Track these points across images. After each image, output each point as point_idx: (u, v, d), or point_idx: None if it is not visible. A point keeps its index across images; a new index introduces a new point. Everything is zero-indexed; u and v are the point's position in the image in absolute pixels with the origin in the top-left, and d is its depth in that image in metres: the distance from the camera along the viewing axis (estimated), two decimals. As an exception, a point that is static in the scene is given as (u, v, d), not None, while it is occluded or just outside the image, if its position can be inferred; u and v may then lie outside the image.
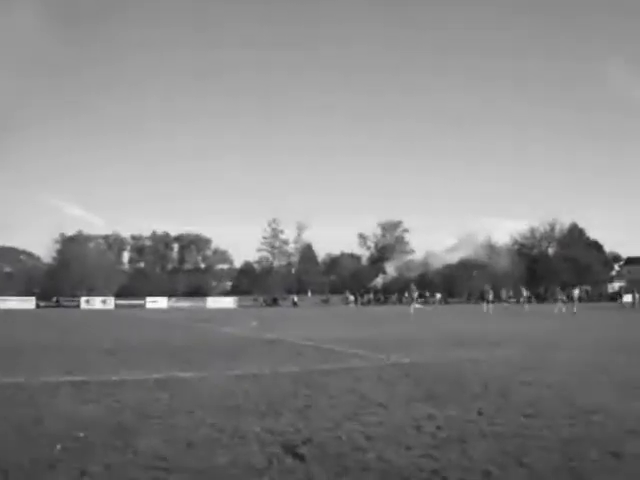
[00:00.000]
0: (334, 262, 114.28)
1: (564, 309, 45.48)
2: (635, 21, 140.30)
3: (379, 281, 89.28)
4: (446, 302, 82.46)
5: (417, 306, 46.80)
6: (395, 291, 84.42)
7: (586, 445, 6.07)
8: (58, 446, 6.11)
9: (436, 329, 25.89)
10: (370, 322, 33.17)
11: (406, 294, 50.59)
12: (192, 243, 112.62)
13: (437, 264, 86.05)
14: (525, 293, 56.90)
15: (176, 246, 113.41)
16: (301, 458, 5.75)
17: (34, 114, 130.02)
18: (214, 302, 77.40)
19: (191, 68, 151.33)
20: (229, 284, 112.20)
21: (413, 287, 51.34)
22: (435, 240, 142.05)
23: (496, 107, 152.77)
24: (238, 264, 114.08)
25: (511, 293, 76.78)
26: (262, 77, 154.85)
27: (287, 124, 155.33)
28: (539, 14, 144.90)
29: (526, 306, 52.02)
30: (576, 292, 53.07)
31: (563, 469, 5.35)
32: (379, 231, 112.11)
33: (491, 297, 50.13)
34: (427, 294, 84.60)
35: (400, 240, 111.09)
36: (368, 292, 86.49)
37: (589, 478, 5.10)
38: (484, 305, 48.18)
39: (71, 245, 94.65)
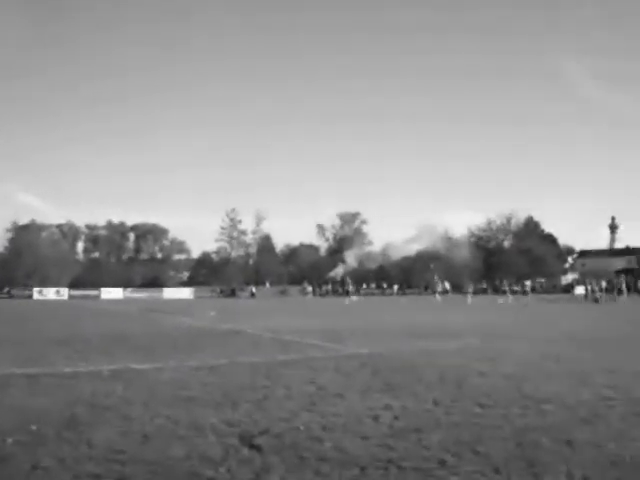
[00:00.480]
0: (293, 253, 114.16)
1: (510, 300, 46.20)
2: (596, 21, 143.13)
3: (340, 271, 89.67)
4: (403, 293, 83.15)
5: (353, 298, 47.08)
6: (354, 282, 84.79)
7: (539, 434, 6.18)
8: (9, 439, 5.98)
9: (392, 320, 26.06)
10: (328, 313, 33.26)
11: (364, 286, 51.15)
12: (149, 233, 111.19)
13: (396, 255, 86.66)
14: (470, 285, 57.33)
15: (132, 236, 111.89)
16: (258, 449, 5.73)
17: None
18: (171, 293, 76.81)
19: (157, 53, 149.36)
20: (186, 275, 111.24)
21: (348, 280, 51.88)
22: (393, 233, 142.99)
23: (451, 102, 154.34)
24: (196, 255, 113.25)
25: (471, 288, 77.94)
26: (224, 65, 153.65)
27: (245, 114, 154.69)
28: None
29: (469, 298, 52.70)
30: (528, 284, 54.02)
31: (517, 457, 5.42)
32: (338, 222, 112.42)
33: (440, 288, 50.72)
34: (385, 285, 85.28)
35: (358, 231, 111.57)
36: (326, 283, 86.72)
37: (542, 466, 5.18)
38: (435, 296, 48.77)
39: (23, 234, 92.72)
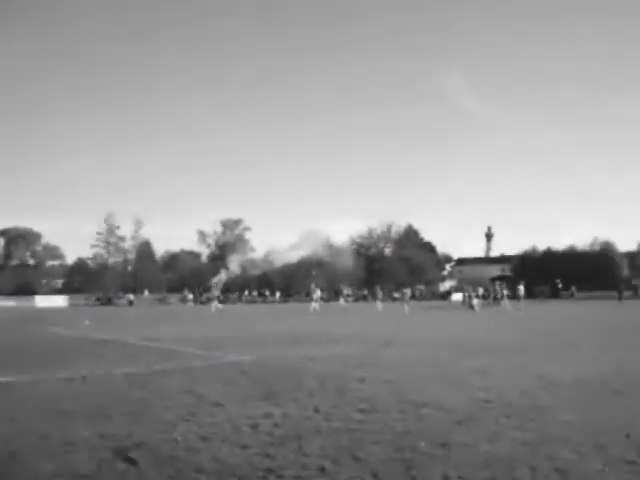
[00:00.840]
0: (173, 259, 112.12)
1: (381, 307, 47.24)
2: (474, 35, 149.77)
3: (223, 277, 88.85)
4: (285, 300, 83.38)
5: (218, 305, 46.78)
6: (236, 289, 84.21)
7: (417, 437, 6.29)
8: None
9: (273, 327, 26.05)
10: (208, 321, 32.83)
11: (246, 293, 50.89)
12: (20, 238, 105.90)
13: (278, 262, 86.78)
14: (345, 292, 58.10)
15: (1, 241, 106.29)
16: (133, 462, 5.52)
17: None
18: (43, 301, 73.53)
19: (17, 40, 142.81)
20: (60, 282, 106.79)
21: (215, 287, 51.62)
22: (276, 239, 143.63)
23: (332, 111, 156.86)
24: (71, 261, 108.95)
25: (350, 291, 79.41)
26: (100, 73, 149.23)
27: (125, 117, 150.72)
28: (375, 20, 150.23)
29: (343, 303, 53.64)
30: (407, 291, 55.42)
31: (395, 461, 5.49)
32: (220, 229, 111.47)
33: (317, 296, 51.16)
34: (267, 293, 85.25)
35: (241, 238, 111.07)
36: (207, 290, 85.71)
37: (420, 469, 5.26)
38: (312, 304, 49.09)
39: None
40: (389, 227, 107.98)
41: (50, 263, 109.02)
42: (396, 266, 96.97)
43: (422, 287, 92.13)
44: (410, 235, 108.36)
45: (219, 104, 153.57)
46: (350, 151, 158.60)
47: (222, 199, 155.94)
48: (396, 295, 66.37)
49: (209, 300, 78.48)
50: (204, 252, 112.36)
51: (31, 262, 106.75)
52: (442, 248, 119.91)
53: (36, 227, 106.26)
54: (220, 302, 49.03)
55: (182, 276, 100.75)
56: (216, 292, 50.04)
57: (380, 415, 7.38)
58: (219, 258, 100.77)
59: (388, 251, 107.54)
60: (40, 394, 9.05)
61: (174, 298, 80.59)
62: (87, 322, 29.37)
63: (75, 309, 58.82)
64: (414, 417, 7.29)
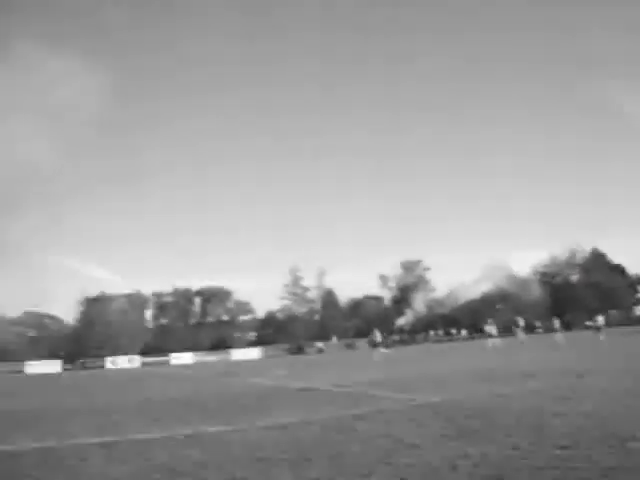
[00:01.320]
0: (357, 305, 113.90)
1: (560, 339, 44.41)
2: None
3: (410, 318, 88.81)
4: (472, 338, 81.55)
5: (383, 350, 45.78)
6: (422, 329, 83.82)
7: (628, 474, 5.94)
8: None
9: (459, 366, 25.58)
10: (396, 364, 32.86)
11: (431, 333, 50.07)
12: (213, 296, 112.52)
13: (462, 298, 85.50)
14: (521, 323, 54.92)
15: (198, 300, 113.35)
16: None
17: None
18: (239, 354, 77.25)
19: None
20: (253, 335, 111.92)
21: (376, 331, 51.01)
22: (456, 276, 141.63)
23: (513, 138, 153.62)
24: (261, 314, 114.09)
25: (540, 324, 76.36)
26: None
27: (303, 168, 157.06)
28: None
29: (522, 336, 51.28)
30: (600, 318, 52.24)
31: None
32: (400, 271, 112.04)
33: (494, 332, 49.27)
34: (453, 331, 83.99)
35: (422, 279, 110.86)
36: (392, 333, 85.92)
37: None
38: (489, 340, 47.14)
39: (94, 306, 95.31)
40: (573, 253, 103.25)
41: (242, 318, 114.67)
42: (584, 293, 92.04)
43: (615, 312, 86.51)
44: (597, 259, 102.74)
45: (393, 138, 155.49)
46: (529, 180, 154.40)
47: (399, 242, 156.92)
48: (588, 323, 62.80)
49: (395, 343, 78.76)
50: (386, 295, 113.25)
51: (225, 318, 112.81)
52: (635, 269, 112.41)
53: (227, 285, 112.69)
54: (387, 347, 48.64)
55: (368, 320, 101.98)
56: (378, 337, 49.82)
57: (583, 451, 7.03)
58: (402, 300, 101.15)
59: (574, 278, 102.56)
60: (242, 442, 9.47)
61: (361, 343, 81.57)
62: (282, 372, 30.40)
63: (269, 360, 61.17)
64: (621, 452, 6.87)
